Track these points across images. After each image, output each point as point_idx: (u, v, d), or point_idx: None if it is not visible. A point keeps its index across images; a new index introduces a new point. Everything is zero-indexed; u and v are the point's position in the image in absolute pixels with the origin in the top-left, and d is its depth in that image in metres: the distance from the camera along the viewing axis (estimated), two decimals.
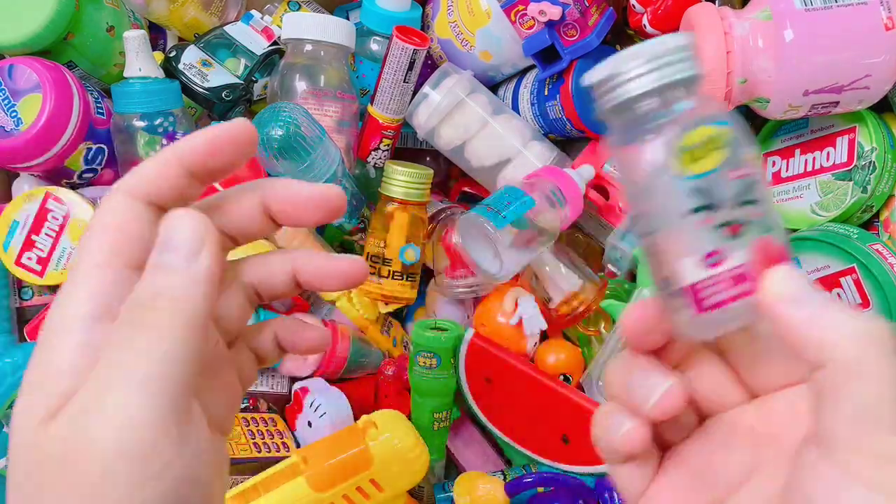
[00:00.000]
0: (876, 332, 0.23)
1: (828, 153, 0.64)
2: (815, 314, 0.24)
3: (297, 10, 0.72)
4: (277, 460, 0.54)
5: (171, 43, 0.72)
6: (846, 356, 0.23)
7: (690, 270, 0.26)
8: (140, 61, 0.60)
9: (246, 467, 0.56)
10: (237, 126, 0.27)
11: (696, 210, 0.26)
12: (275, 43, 0.68)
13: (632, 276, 0.67)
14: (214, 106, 0.65)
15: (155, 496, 0.22)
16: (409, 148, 0.75)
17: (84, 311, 0.24)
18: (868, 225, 0.64)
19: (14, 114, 0.57)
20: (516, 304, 0.62)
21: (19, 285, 0.61)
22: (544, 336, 0.64)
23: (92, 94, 0.63)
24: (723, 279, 0.26)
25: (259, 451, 0.58)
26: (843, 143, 0.63)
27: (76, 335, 0.24)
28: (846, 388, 0.23)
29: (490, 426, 0.62)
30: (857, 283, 0.58)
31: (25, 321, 0.60)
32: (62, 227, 0.58)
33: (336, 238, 0.71)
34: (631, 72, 0.26)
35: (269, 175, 0.59)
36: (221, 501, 0.26)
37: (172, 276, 0.24)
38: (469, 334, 0.60)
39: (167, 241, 0.24)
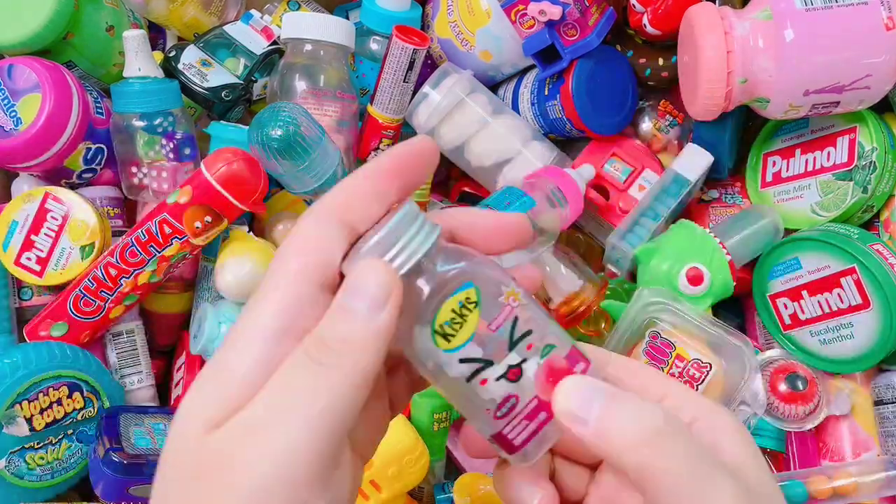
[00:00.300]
0: (654, 429, 0.26)
1: (828, 153, 0.64)
2: (599, 429, 0.26)
3: (297, 9, 0.72)
4: None
5: (170, 43, 0.72)
6: (634, 463, 0.25)
7: (490, 424, 0.27)
8: (139, 61, 0.60)
9: None
10: (420, 143, 0.28)
11: (470, 378, 0.27)
12: (274, 43, 0.68)
13: (632, 277, 0.66)
14: (214, 106, 0.65)
15: None
16: None
17: (269, 325, 0.24)
18: (868, 225, 0.64)
19: (13, 114, 0.57)
20: None
21: (19, 285, 0.61)
22: None
23: (91, 93, 0.62)
24: (519, 421, 0.27)
25: None
26: (843, 143, 0.63)
27: (258, 348, 0.24)
28: (646, 491, 0.26)
29: None
30: (858, 283, 0.57)
31: (25, 321, 0.59)
32: (61, 227, 0.58)
33: None
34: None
35: (269, 175, 0.59)
36: None
37: (355, 324, 0.24)
38: None
39: (357, 287, 0.25)
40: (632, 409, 0.26)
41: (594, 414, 0.26)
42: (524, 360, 0.27)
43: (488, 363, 0.27)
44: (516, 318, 0.27)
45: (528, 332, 0.27)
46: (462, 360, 0.27)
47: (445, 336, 0.26)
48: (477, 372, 0.27)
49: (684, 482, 0.25)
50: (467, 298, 0.26)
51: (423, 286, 0.26)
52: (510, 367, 0.27)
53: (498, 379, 0.27)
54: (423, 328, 0.26)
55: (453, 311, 0.26)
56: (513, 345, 0.27)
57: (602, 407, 0.26)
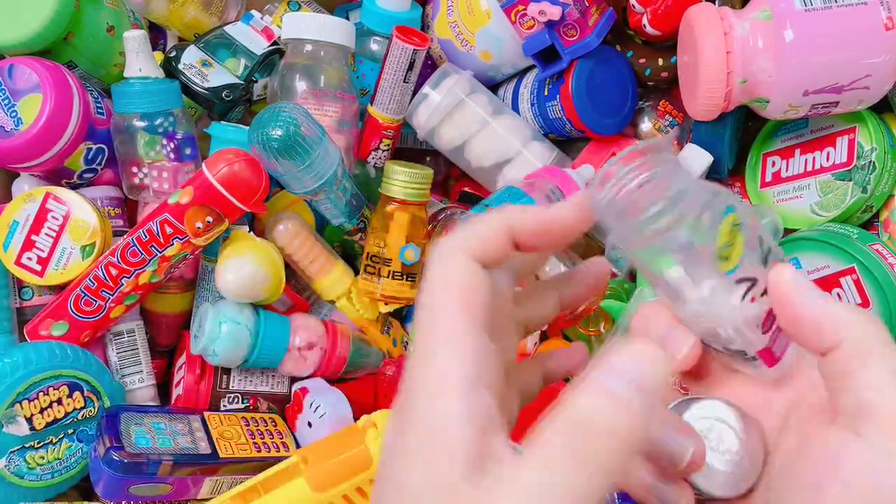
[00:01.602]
0: (873, 318, 0.27)
1: (828, 153, 0.64)
2: (822, 299, 0.27)
3: (297, 10, 0.72)
4: (277, 460, 0.54)
5: (171, 43, 0.72)
6: (864, 332, 0.26)
7: (758, 341, 0.29)
8: (140, 61, 0.60)
9: (246, 467, 0.56)
10: (567, 210, 0.29)
11: (745, 295, 0.28)
12: (275, 43, 0.68)
13: (632, 276, 0.67)
14: (214, 106, 0.65)
15: None
16: (409, 148, 0.75)
17: (462, 373, 0.23)
18: (868, 225, 0.64)
19: (14, 114, 0.57)
20: None
21: (19, 285, 0.61)
22: (544, 336, 0.64)
23: (92, 94, 0.63)
24: (779, 333, 0.29)
25: (259, 451, 0.58)
26: (843, 143, 0.63)
27: (457, 398, 0.23)
28: (872, 359, 0.26)
29: None
30: (857, 283, 0.58)
31: (25, 321, 0.59)
32: (62, 227, 0.58)
33: (336, 238, 0.71)
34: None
35: (269, 176, 0.59)
36: None
37: (624, 413, 0.22)
38: None
39: (628, 370, 0.22)
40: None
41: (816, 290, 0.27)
42: (759, 280, 0.29)
43: (755, 281, 0.28)
44: (760, 238, 0.29)
45: (770, 248, 0.29)
46: (738, 281, 0.28)
47: (727, 258, 0.28)
48: (749, 290, 0.28)
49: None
50: (734, 221, 0.28)
51: (696, 216, 0.27)
52: (758, 279, 0.29)
53: (763, 294, 0.29)
54: (695, 258, 0.28)
55: (727, 233, 0.28)
56: (765, 262, 0.29)
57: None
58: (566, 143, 0.72)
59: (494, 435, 0.23)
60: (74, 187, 0.61)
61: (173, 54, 0.65)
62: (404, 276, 0.64)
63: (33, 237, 0.58)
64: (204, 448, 0.55)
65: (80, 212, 0.59)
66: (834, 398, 0.27)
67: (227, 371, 0.62)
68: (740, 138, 0.71)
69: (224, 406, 0.62)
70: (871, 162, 0.61)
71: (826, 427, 0.27)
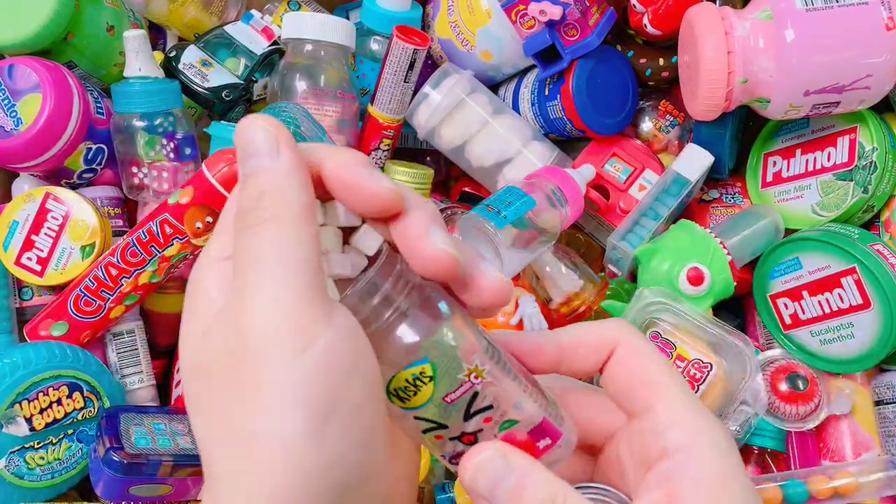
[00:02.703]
0: None
1: (829, 153, 0.64)
2: None
3: (297, 9, 0.72)
4: None
5: (171, 43, 0.72)
6: None
7: (446, 464, 0.28)
8: (140, 61, 0.60)
9: None
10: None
11: (426, 431, 0.27)
12: (275, 43, 0.68)
13: (632, 277, 0.66)
14: (214, 106, 0.65)
15: (308, 371, 0.23)
16: (409, 148, 0.75)
17: (219, 255, 0.26)
18: (869, 225, 0.64)
19: (14, 114, 0.57)
20: (516, 304, 0.62)
21: (19, 285, 0.61)
22: None
23: (92, 94, 0.62)
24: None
25: None
26: (843, 143, 0.63)
27: (215, 270, 0.25)
28: None
29: None
30: (858, 283, 0.57)
31: (25, 321, 0.59)
32: (62, 227, 0.58)
33: None
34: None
35: None
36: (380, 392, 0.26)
37: (265, 175, 0.25)
38: None
39: (247, 147, 0.25)
40: (538, 495, 0.25)
41: (499, 499, 0.25)
42: (480, 430, 0.27)
43: (442, 426, 0.27)
44: (475, 394, 0.27)
45: (488, 407, 0.27)
46: (417, 418, 0.27)
47: (400, 398, 0.26)
48: (431, 430, 0.27)
49: None
50: (422, 373, 0.26)
51: (386, 346, 0.26)
52: (464, 433, 0.27)
53: (452, 439, 0.27)
54: (384, 381, 0.26)
55: (407, 381, 0.26)
56: (468, 416, 0.27)
57: (508, 492, 0.25)
58: (566, 143, 0.72)
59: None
60: (74, 187, 0.61)
61: (173, 54, 0.65)
62: None
63: (33, 237, 0.58)
64: None
65: (80, 212, 0.58)
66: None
67: None
68: (741, 138, 0.71)
69: None
70: (872, 162, 0.60)
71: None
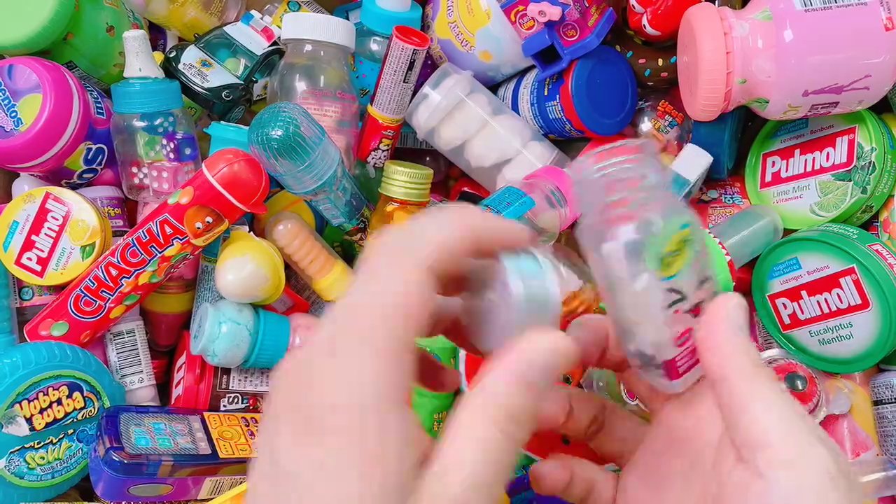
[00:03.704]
0: (804, 431, 0.27)
1: (827, 153, 0.64)
2: (736, 337, 0.30)
3: (297, 10, 0.72)
4: None
5: (171, 43, 0.72)
6: (778, 457, 0.26)
7: (668, 350, 0.31)
8: (140, 61, 0.60)
9: (245, 467, 0.56)
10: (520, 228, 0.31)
11: (671, 304, 0.31)
12: (275, 43, 0.68)
13: None
14: (214, 106, 0.65)
15: None
16: (409, 148, 0.75)
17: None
18: (868, 225, 0.64)
19: (14, 114, 0.57)
20: None
21: (19, 285, 0.61)
22: None
23: (92, 94, 0.62)
24: (688, 352, 0.32)
25: None
26: (842, 143, 0.63)
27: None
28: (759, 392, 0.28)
29: None
30: (857, 284, 0.58)
31: (25, 321, 0.59)
32: (62, 227, 0.58)
33: (336, 238, 0.71)
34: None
35: (269, 177, 0.59)
36: None
37: (534, 401, 0.26)
38: None
39: (534, 362, 0.27)
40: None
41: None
42: (701, 301, 0.31)
43: (684, 296, 0.31)
44: (706, 260, 0.31)
45: (709, 277, 0.31)
46: (669, 289, 0.30)
47: (668, 264, 0.30)
48: (675, 302, 0.30)
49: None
50: (686, 235, 0.30)
51: (656, 216, 0.29)
52: (696, 303, 0.31)
53: (686, 311, 0.31)
54: (646, 249, 0.29)
55: (679, 242, 0.30)
56: (700, 285, 0.31)
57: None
58: (566, 143, 0.72)
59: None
60: (74, 187, 0.61)
61: (173, 54, 0.65)
62: None
63: (33, 237, 0.58)
64: (204, 448, 0.55)
65: (80, 212, 0.59)
66: (730, 431, 0.29)
67: (226, 371, 0.62)
68: (740, 138, 0.71)
69: (224, 406, 0.62)
70: (870, 162, 0.61)
71: (736, 463, 0.28)
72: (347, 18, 0.74)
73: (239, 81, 0.66)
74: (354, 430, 0.23)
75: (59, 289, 0.60)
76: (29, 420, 0.54)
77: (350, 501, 0.22)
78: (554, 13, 0.60)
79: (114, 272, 0.57)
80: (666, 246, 0.29)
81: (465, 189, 0.75)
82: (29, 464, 0.55)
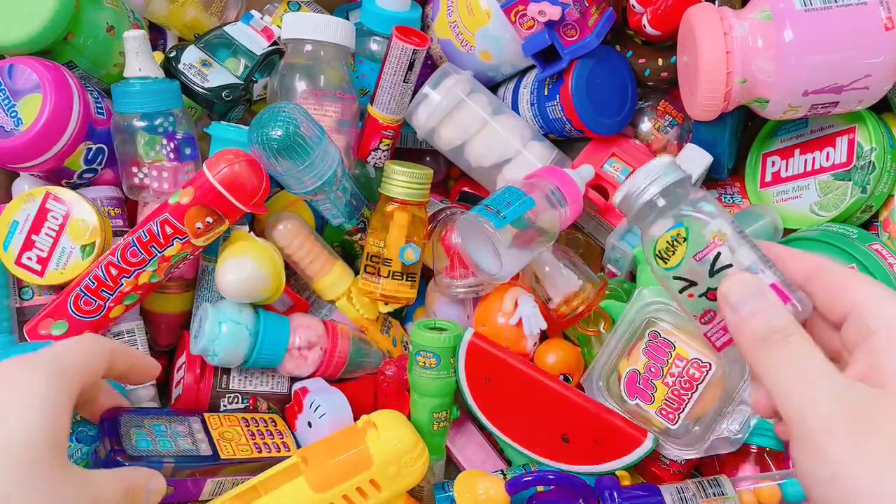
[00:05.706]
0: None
1: (827, 153, 0.64)
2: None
3: (297, 10, 0.72)
4: (277, 461, 0.54)
5: (171, 43, 0.72)
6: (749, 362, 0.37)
7: (696, 326, 0.39)
8: (140, 61, 0.60)
9: (246, 468, 0.56)
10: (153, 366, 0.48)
11: (681, 290, 0.38)
12: (275, 43, 0.68)
13: (632, 277, 0.67)
14: (214, 106, 0.65)
15: None
16: (409, 148, 0.75)
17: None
18: (867, 225, 0.64)
19: (14, 114, 0.57)
20: (516, 304, 0.62)
21: (19, 285, 0.61)
22: (544, 336, 0.64)
23: (92, 94, 0.63)
24: (717, 329, 0.38)
25: (259, 452, 0.58)
26: (842, 143, 0.63)
27: None
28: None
29: (490, 426, 0.62)
30: None
31: (25, 321, 0.59)
32: (62, 226, 0.58)
33: (336, 238, 0.71)
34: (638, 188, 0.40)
35: (269, 176, 0.59)
36: None
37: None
38: (469, 334, 0.60)
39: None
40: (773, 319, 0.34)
41: (742, 310, 0.34)
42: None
43: (692, 283, 0.37)
44: (718, 254, 0.36)
45: (728, 266, 0.36)
46: (675, 278, 0.37)
47: (663, 259, 0.37)
48: (685, 288, 0.37)
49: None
50: (678, 234, 0.36)
51: (654, 220, 0.38)
52: (709, 289, 0.36)
53: (700, 296, 0.37)
54: (645, 247, 0.38)
55: (667, 242, 0.37)
56: (713, 273, 0.36)
57: (750, 306, 0.34)
58: (566, 143, 0.72)
59: None
60: (74, 187, 0.61)
61: (173, 54, 0.65)
62: (404, 276, 0.64)
63: (33, 237, 0.58)
64: (205, 449, 0.55)
65: (80, 212, 0.59)
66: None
67: (226, 371, 0.62)
68: (740, 138, 0.72)
69: (224, 406, 0.62)
70: (870, 162, 0.61)
71: None
72: (347, 18, 0.74)
73: (239, 81, 0.66)
74: None
75: (59, 288, 0.60)
76: None
77: None
78: (554, 13, 0.60)
79: (114, 272, 0.57)
80: (656, 244, 0.37)
81: (465, 189, 0.75)
82: None
